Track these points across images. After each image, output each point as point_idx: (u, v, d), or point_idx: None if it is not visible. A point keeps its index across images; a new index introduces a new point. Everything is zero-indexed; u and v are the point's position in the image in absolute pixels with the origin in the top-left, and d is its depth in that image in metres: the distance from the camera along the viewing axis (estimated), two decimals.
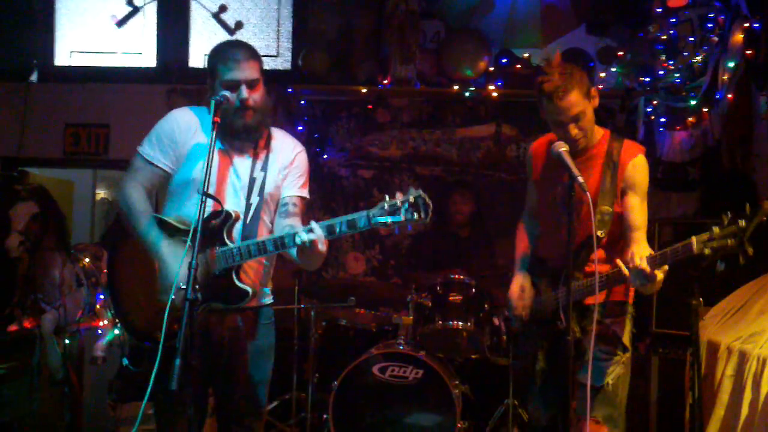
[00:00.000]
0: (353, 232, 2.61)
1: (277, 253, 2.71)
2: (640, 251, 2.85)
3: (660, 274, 2.80)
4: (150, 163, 2.85)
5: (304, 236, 2.58)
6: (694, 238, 2.75)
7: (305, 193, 3.01)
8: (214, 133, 2.58)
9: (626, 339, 3.08)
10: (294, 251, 2.73)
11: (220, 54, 2.83)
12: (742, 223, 2.69)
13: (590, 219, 2.81)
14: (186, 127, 2.86)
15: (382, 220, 2.50)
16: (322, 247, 2.61)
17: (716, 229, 2.73)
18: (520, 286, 3.25)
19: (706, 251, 2.71)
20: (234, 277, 2.70)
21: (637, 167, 3.04)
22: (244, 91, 2.77)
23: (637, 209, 3.02)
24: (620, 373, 3.05)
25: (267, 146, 2.93)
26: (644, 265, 2.75)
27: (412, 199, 2.48)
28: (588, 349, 2.96)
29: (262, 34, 6.66)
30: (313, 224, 2.60)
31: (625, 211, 3.02)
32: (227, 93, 2.72)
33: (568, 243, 2.83)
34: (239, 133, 2.82)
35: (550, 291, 3.13)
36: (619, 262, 2.86)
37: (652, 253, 2.83)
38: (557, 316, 3.00)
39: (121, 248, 2.96)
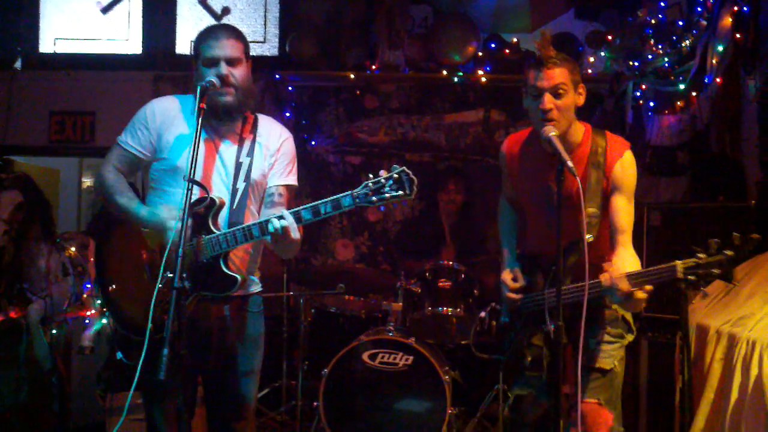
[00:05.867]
0: (339, 212, 2.58)
1: (263, 238, 2.68)
2: (622, 264, 2.79)
3: (640, 294, 2.73)
4: (122, 147, 2.87)
5: (276, 223, 2.57)
6: (678, 264, 2.66)
7: (292, 181, 2.98)
8: (201, 119, 2.56)
9: (631, 321, 3.08)
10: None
11: (203, 35, 2.85)
12: (730, 253, 2.62)
13: (577, 220, 2.74)
14: (164, 114, 2.85)
15: (367, 198, 2.48)
16: (294, 234, 2.59)
17: (702, 256, 2.65)
18: (511, 269, 3.22)
19: (691, 278, 2.64)
20: (222, 264, 2.68)
21: (624, 167, 2.95)
22: (223, 67, 2.75)
23: (624, 211, 2.93)
24: (623, 356, 3.04)
25: (253, 131, 2.91)
26: (622, 284, 2.71)
27: (396, 175, 2.47)
28: (597, 332, 2.98)
29: (249, 20, 6.61)
30: (284, 212, 2.59)
31: (611, 212, 2.95)
32: (213, 78, 2.71)
33: (557, 232, 2.75)
34: (219, 113, 2.78)
35: (542, 283, 3.10)
36: (603, 277, 2.78)
37: (636, 268, 2.77)
38: (544, 318, 2.96)
39: (110, 238, 2.93)
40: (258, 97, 5.87)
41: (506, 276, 3.19)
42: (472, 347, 3.53)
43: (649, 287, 2.73)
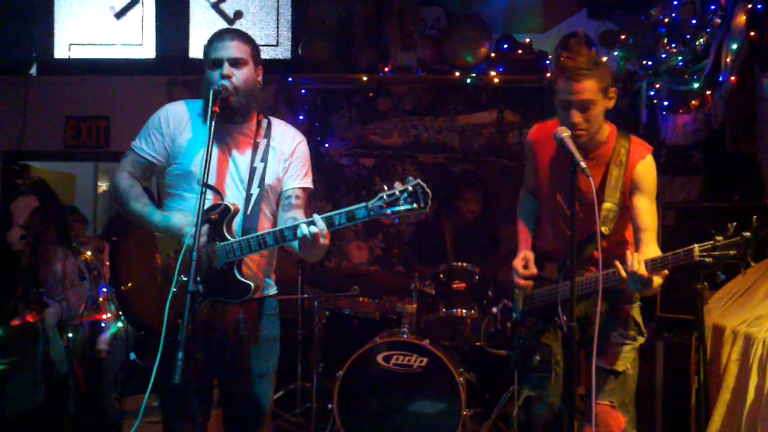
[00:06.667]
0: (353, 224, 2.59)
1: (278, 246, 2.68)
2: (642, 255, 2.79)
3: (658, 279, 2.76)
4: (136, 153, 2.87)
5: (305, 229, 2.56)
6: (696, 246, 2.68)
7: (308, 184, 2.98)
8: (214, 122, 2.56)
9: (641, 323, 3.09)
10: (296, 243, 2.71)
11: (210, 39, 2.86)
12: (747, 234, 2.63)
13: (593, 215, 2.73)
14: (176, 119, 2.86)
15: (381, 211, 2.48)
16: (323, 240, 2.58)
17: (720, 238, 2.66)
18: (523, 257, 3.22)
19: (708, 260, 2.66)
20: (235, 271, 2.68)
21: (645, 169, 2.98)
22: (226, 68, 2.76)
23: (646, 211, 2.95)
24: (635, 357, 3.05)
25: (266, 136, 2.91)
26: (642, 269, 2.70)
27: (410, 188, 2.46)
28: (609, 334, 3.00)
29: (262, 23, 6.63)
30: (315, 217, 2.58)
31: (633, 214, 2.97)
32: (225, 82, 2.71)
33: (572, 227, 2.76)
34: (222, 115, 2.72)
35: (555, 273, 3.11)
36: (617, 264, 2.78)
37: (654, 256, 2.77)
38: (556, 312, 2.97)
39: (125, 241, 2.95)
40: (268, 101, 5.92)
41: (518, 263, 3.20)
42: (484, 345, 3.54)
43: (665, 272, 2.75)
